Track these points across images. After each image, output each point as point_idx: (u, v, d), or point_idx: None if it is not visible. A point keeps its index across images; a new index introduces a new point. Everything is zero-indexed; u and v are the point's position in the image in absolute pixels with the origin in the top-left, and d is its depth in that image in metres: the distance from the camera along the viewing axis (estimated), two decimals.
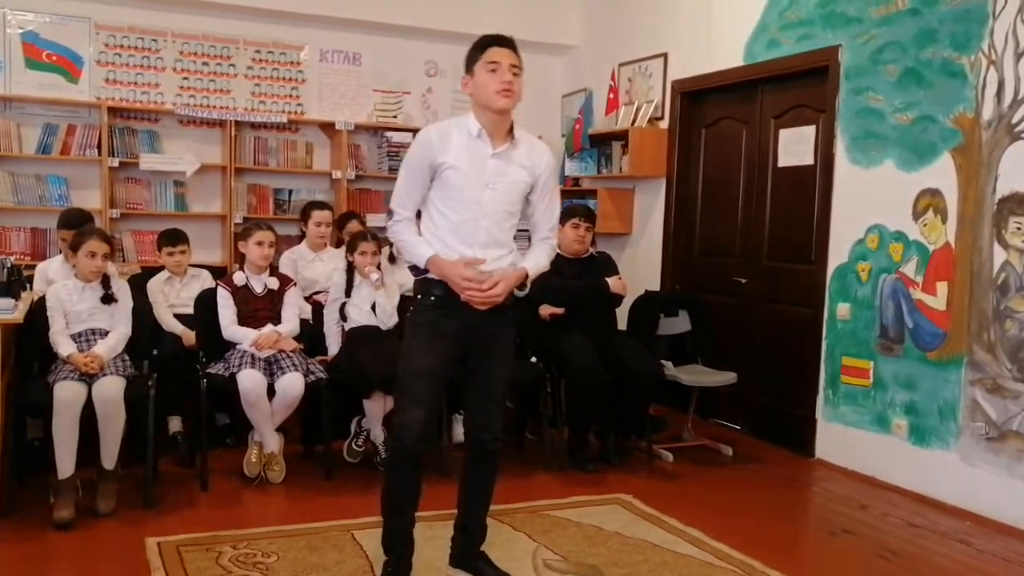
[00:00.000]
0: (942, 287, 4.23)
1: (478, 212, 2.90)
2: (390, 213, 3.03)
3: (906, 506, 4.18)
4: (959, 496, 4.13)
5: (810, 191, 5.03)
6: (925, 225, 4.31)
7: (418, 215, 3.03)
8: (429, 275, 2.94)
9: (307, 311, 4.75)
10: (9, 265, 3.92)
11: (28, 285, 4.24)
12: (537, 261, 3.07)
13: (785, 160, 5.27)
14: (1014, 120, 3.90)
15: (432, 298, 2.95)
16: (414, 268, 3.01)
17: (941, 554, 3.61)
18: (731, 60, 5.53)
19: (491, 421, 3.04)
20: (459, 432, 4.33)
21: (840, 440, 4.77)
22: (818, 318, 4.91)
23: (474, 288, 2.86)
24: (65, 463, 3.63)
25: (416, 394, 2.93)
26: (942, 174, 4.22)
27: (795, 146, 5.19)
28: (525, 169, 2.97)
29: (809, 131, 5.08)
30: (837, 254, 4.81)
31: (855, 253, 4.70)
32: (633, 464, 4.75)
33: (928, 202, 4.29)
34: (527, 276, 3.03)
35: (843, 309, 4.76)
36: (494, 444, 3.07)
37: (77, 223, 4.40)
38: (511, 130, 2.97)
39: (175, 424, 4.63)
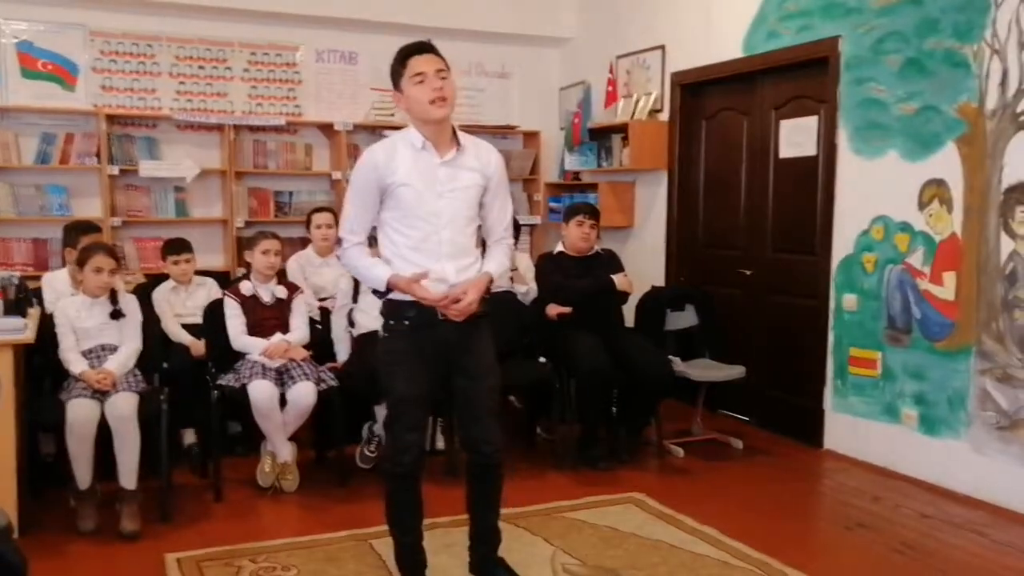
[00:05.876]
0: (949, 277, 4.23)
1: (438, 224, 2.88)
2: (339, 240, 2.98)
3: (919, 496, 4.20)
4: (971, 486, 4.15)
5: (813, 182, 5.02)
6: (931, 216, 4.31)
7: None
8: (394, 296, 2.91)
9: (314, 307, 4.77)
10: (17, 282, 3.90)
11: (34, 300, 4.22)
12: (499, 263, 3.05)
13: (787, 151, 5.26)
14: (1019, 109, 3.90)
15: (406, 321, 2.91)
16: (377, 291, 2.96)
17: (957, 547, 3.62)
18: (730, 52, 5.50)
19: (488, 433, 3.00)
20: None
21: (849, 430, 4.79)
22: (824, 309, 4.92)
23: (449, 305, 2.84)
24: (84, 476, 3.68)
25: (407, 421, 2.94)
26: (947, 164, 4.21)
27: (797, 137, 5.17)
28: (477, 172, 2.95)
29: (811, 122, 5.06)
30: (842, 245, 4.81)
31: (861, 244, 4.70)
32: (644, 460, 4.77)
33: (934, 192, 4.29)
34: (492, 280, 2.99)
35: (849, 300, 4.76)
36: (496, 456, 3.02)
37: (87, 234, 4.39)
38: (454, 134, 2.94)
39: (189, 436, 4.63)
